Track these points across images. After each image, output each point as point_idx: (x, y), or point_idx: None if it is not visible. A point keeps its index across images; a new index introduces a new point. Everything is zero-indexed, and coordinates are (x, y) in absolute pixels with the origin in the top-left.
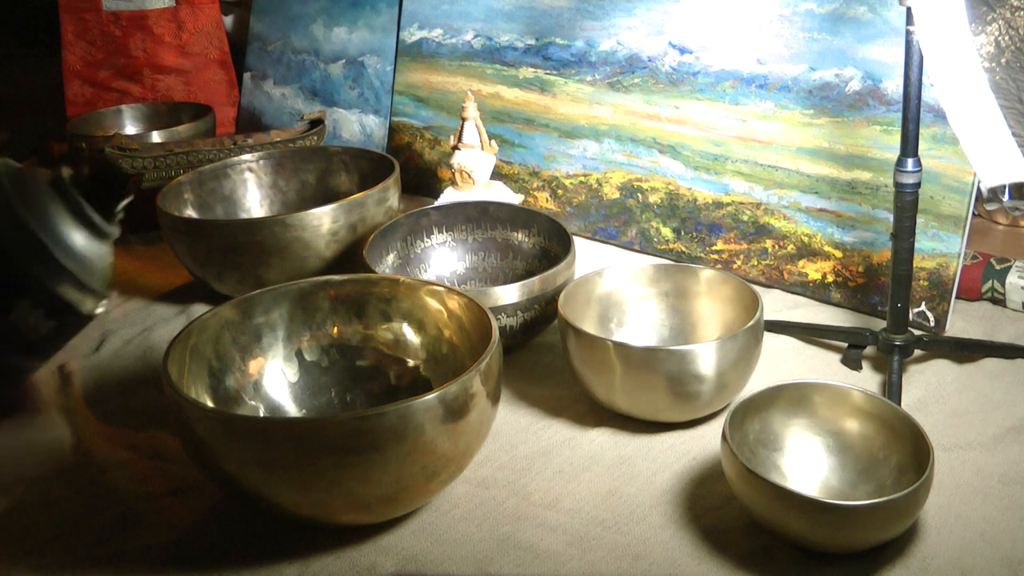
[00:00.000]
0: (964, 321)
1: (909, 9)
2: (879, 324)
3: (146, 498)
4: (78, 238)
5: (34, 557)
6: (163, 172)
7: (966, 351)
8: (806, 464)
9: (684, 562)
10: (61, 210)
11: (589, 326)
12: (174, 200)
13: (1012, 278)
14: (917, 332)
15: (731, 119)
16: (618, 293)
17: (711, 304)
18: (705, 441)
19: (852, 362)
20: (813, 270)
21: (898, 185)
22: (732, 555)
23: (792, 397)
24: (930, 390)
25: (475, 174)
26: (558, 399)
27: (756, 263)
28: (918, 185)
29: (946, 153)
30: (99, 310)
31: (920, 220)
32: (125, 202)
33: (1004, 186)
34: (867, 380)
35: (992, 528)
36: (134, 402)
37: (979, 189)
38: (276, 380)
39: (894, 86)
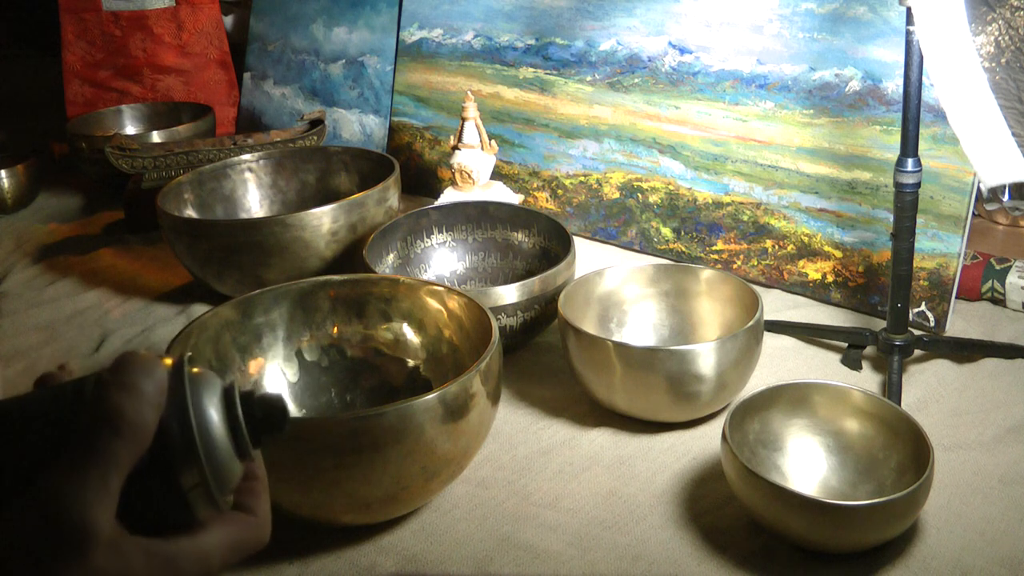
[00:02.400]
0: (964, 321)
1: (909, 9)
2: (879, 324)
3: None
4: None
5: None
6: (163, 172)
7: (966, 351)
8: (806, 464)
9: (684, 562)
10: None
11: (589, 326)
12: (174, 200)
13: (1012, 278)
14: (917, 332)
15: (731, 119)
16: (618, 293)
17: (711, 304)
18: (705, 441)
19: (852, 362)
20: (813, 270)
21: (898, 185)
22: (732, 555)
23: (792, 397)
24: (930, 390)
25: (475, 174)
26: (558, 399)
27: (756, 263)
28: (918, 185)
29: (946, 153)
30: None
31: (920, 220)
32: None
33: (1004, 186)
34: (867, 380)
35: (992, 528)
36: None
37: (979, 189)
38: (276, 380)
39: (894, 86)
